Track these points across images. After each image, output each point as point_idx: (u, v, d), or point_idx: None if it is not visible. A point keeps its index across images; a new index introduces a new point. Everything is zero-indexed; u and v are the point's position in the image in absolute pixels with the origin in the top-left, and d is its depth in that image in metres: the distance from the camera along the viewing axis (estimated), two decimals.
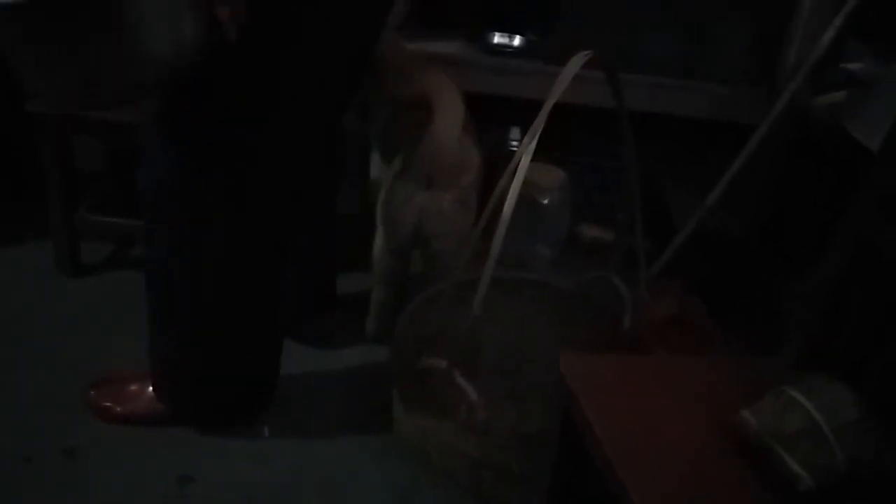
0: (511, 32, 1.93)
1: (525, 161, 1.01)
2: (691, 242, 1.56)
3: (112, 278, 1.72)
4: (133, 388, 1.34)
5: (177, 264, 1.19)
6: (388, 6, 1.22)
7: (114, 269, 1.75)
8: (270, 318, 1.31)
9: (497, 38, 1.94)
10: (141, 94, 0.96)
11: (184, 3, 0.89)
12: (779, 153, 1.68)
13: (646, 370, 0.95)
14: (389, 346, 1.36)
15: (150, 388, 1.33)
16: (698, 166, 1.76)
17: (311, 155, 1.26)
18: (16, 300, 1.61)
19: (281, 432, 1.35)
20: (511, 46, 1.93)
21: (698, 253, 1.60)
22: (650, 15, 1.83)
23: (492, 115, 1.77)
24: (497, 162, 1.43)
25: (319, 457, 1.31)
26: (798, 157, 1.68)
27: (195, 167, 1.11)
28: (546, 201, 1.82)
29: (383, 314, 1.51)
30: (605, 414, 0.85)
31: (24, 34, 0.87)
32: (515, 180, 1.00)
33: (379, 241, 1.45)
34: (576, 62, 1.04)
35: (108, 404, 1.33)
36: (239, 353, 1.28)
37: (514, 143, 2.04)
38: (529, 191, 1.73)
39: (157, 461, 1.27)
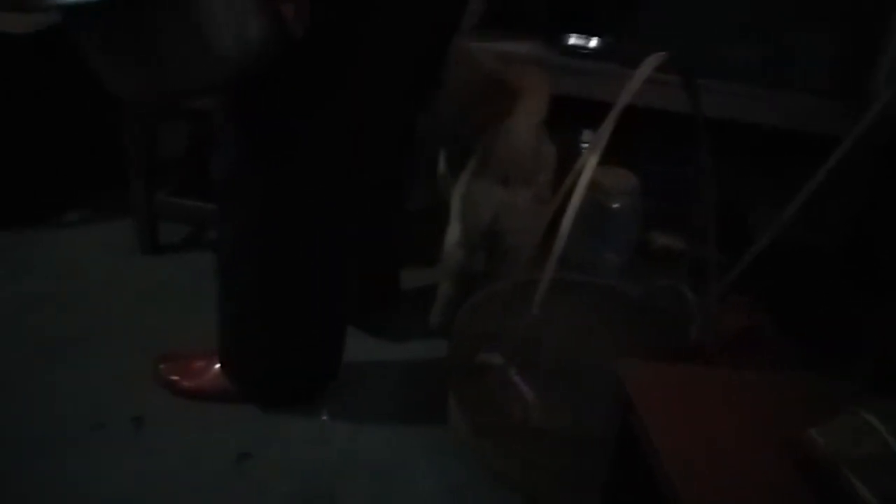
0: (588, 34, 1.91)
1: (592, 162, 1.00)
2: (767, 256, 1.51)
3: (187, 258, 1.78)
4: (200, 363, 1.39)
5: (246, 248, 1.23)
6: (459, 5, 1.23)
7: (189, 249, 1.82)
8: (335, 303, 1.34)
9: (573, 39, 1.92)
10: (211, 90, 0.99)
11: (252, 3, 0.91)
12: (865, 166, 1.61)
13: (709, 382, 0.93)
14: (448, 342, 1.37)
15: (217, 366, 1.37)
16: (778, 177, 1.70)
17: (381, 149, 1.28)
18: (97, 274, 1.69)
19: (338, 417, 1.37)
20: (587, 48, 1.90)
21: (774, 267, 1.55)
22: (733, 21, 1.78)
23: (564, 117, 1.76)
24: (568, 164, 1.42)
25: (374, 446, 1.33)
26: (887, 172, 1.61)
27: (264, 156, 1.14)
28: (616, 206, 1.79)
29: (449, 308, 1.52)
30: (664, 423, 0.83)
31: (99, 30, 0.90)
32: (581, 182, 0.99)
33: (452, 237, 1.45)
34: (649, 64, 1.02)
35: (175, 378, 1.39)
36: (303, 336, 1.32)
37: (586, 146, 2.02)
38: (599, 195, 1.71)
39: (218, 436, 1.31)
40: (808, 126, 1.74)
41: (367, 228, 1.39)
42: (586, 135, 2.01)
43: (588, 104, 1.78)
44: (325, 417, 1.37)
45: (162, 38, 0.88)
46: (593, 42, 1.90)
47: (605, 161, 1.49)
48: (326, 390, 1.41)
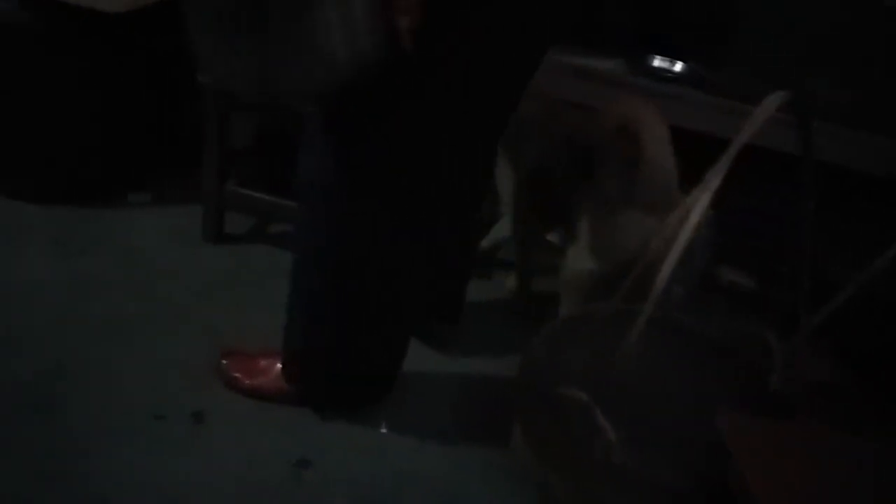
0: (672, 57, 1.87)
1: (703, 201, 0.96)
2: (848, 306, 1.46)
3: (250, 251, 1.77)
4: (262, 363, 1.37)
5: (325, 249, 1.22)
6: (562, 21, 1.19)
7: (253, 241, 1.81)
8: (405, 310, 1.32)
9: (657, 62, 1.88)
10: (315, 95, 0.98)
11: (368, 13, 0.89)
12: None
13: (809, 439, 0.89)
14: (519, 367, 1.33)
15: (279, 366, 1.35)
16: (864, 224, 1.64)
17: (472, 162, 1.26)
18: (161, 260, 1.68)
19: (397, 430, 1.35)
20: (671, 72, 1.86)
21: (855, 316, 1.49)
22: (828, 58, 1.72)
23: None
24: None
25: (431, 464, 1.30)
26: None
27: (354, 162, 1.14)
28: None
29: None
30: (766, 481, 0.79)
31: (213, 19, 0.88)
32: (691, 221, 0.95)
33: (579, 262, 1.42)
34: (770, 104, 0.98)
35: (237, 375, 1.37)
36: (371, 341, 1.30)
37: None
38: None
39: (277, 439, 1.29)
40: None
41: (443, 240, 1.37)
42: None
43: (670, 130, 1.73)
44: (384, 430, 1.35)
45: (281, 42, 0.86)
46: (678, 66, 1.86)
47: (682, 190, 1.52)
48: (386, 401, 1.38)
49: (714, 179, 0.97)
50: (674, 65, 1.86)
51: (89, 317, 1.48)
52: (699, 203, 0.96)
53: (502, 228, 1.77)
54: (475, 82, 1.09)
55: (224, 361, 1.39)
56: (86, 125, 1.73)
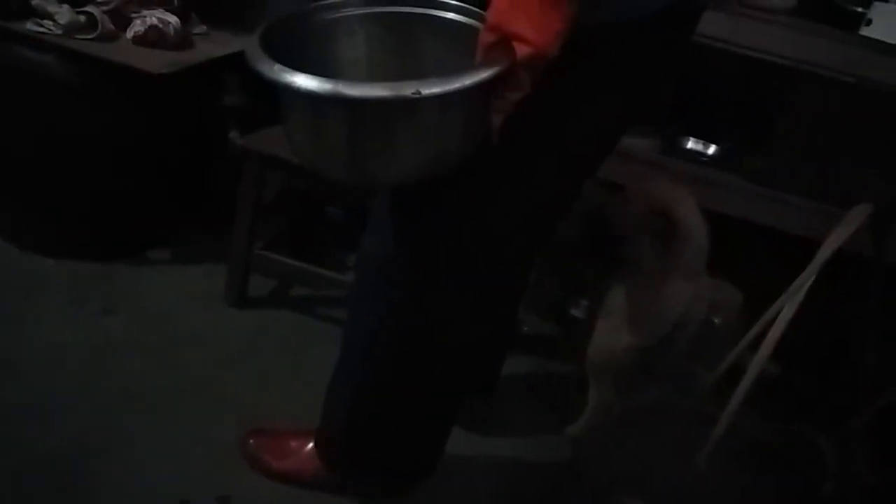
0: (707, 139, 1.87)
1: (787, 314, 0.94)
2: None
3: (274, 316, 1.71)
4: (293, 444, 1.31)
5: (380, 332, 1.17)
6: (642, 108, 1.18)
7: (276, 305, 1.75)
8: (452, 398, 1.27)
9: (691, 144, 1.88)
10: (402, 186, 0.96)
11: (475, 114, 0.87)
12: None
13: None
14: (574, 468, 1.29)
15: (310, 447, 1.29)
16: None
17: (536, 242, 1.24)
18: (183, 324, 1.62)
19: None
20: (705, 155, 1.86)
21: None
22: (870, 150, 1.73)
23: None
24: None
25: None
26: None
27: (421, 244, 1.10)
28: (718, 321, 1.72)
29: (598, 417, 1.45)
30: None
31: (337, 121, 0.84)
32: (772, 334, 0.93)
33: (614, 340, 1.39)
34: (855, 216, 0.96)
35: (266, 457, 1.31)
36: (416, 429, 1.25)
37: None
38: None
39: None
40: None
41: (500, 317, 1.34)
42: None
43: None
44: None
45: (390, 141, 0.83)
46: (712, 149, 1.86)
47: (709, 272, 1.44)
48: (422, 486, 1.32)
49: (800, 290, 0.95)
50: (708, 147, 1.86)
51: (111, 386, 1.42)
52: (784, 315, 0.93)
53: None
54: (551, 170, 1.06)
55: (251, 441, 1.32)
56: (112, 180, 1.68)
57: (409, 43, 0.99)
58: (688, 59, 1.15)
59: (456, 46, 0.95)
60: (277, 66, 0.80)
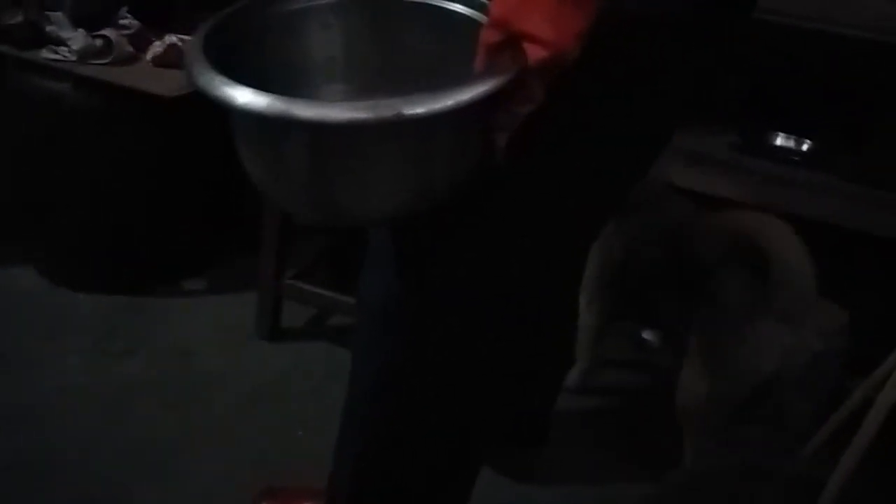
0: (799, 135, 1.59)
1: None
2: None
3: (307, 349, 1.59)
4: None
5: (387, 385, 1.02)
6: (673, 123, 0.97)
7: (311, 338, 1.63)
8: (474, 450, 1.10)
9: (780, 140, 1.61)
10: (391, 223, 0.79)
11: (473, 134, 0.69)
12: None
13: None
14: None
15: None
16: None
17: (563, 271, 1.05)
18: (209, 363, 1.52)
19: None
20: (798, 152, 1.59)
21: None
22: None
23: None
24: None
25: None
26: None
27: (423, 285, 0.94)
28: (820, 348, 1.47)
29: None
30: None
31: (302, 149, 0.67)
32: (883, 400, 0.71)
33: (700, 387, 1.25)
34: None
35: None
36: (434, 482, 1.08)
37: None
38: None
39: None
40: None
41: (526, 358, 1.16)
42: None
43: (798, 222, 1.47)
44: None
45: (364, 172, 0.67)
46: (806, 146, 1.58)
47: None
48: None
49: None
50: (801, 144, 1.59)
51: (126, 434, 1.34)
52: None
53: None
54: (568, 194, 0.88)
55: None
56: (139, 209, 1.61)
57: (396, 38, 0.81)
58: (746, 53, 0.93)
59: (453, 43, 0.76)
60: (215, 77, 0.64)
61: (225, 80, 0.64)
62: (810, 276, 1.15)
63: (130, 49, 1.53)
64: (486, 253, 0.90)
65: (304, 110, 0.62)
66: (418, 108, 0.60)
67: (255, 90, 0.62)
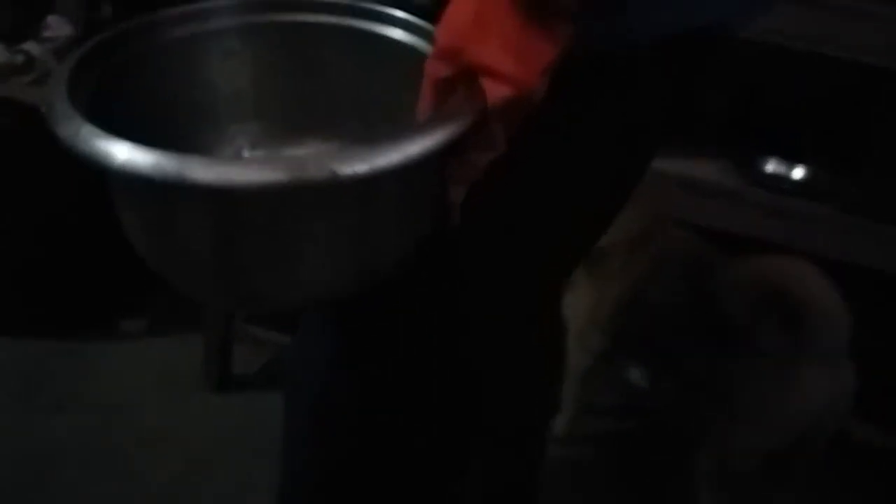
0: (791, 161, 1.50)
1: None
2: None
3: (260, 401, 1.42)
4: None
5: (313, 445, 0.87)
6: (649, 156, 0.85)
7: (264, 387, 1.46)
8: None
9: (771, 167, 1.51)
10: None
11: (422, 192, 0.55)
12: None
13: None
14: None
15: None
16: None
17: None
18: (149, 419, 1.36)
19: None
20: (790, 180, 1.49)
21: None
22: None
23: None
24: None
25: None
26: None
27: (359, 356, 0.78)
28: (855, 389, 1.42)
29: None
30: None
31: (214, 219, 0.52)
32: None
33: (733, 442, 1.21)
34: None
35: None
36: None
37: None
38: None
39: None
40: None
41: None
42: None
43: (792, 253, 1.37)
44: None
45: (284, 249, 0.52)
46: (799, 172, 1.48)
47: None
48: None
49: None
50: (792, 170, 1.49)
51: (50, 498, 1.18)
52: None
53: None
54: (536, 250, 0.74)
55: None
56: (67, 241, 1.45)
57: (315, 66, 0.66)
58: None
59: (386, 72, 0.63)
60: (83, 126, 0.49)
61: (96, 130, 0.48)
62: (847, 319, 1.14)
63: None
64: (445, 333, 0.75)
65: (203, 172, 0.45)
66: (357, 165, 0.46)
67: (136, 144, 0.46)
